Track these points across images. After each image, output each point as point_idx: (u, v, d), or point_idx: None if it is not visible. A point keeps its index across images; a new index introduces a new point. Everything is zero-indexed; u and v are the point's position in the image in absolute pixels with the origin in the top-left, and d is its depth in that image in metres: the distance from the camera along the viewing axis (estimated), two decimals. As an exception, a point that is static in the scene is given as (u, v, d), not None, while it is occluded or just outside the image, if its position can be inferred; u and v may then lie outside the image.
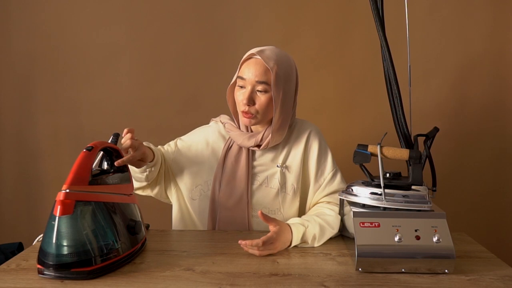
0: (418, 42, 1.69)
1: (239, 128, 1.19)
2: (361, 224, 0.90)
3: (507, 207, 1.76)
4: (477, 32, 1.70)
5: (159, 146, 1.24)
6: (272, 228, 0.98)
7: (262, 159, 1.17)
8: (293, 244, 1.00)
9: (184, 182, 1.21)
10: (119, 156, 1.01)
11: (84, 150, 0.87)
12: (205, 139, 1.23)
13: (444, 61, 1.73)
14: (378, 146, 0.98)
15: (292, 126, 1.21)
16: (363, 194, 0.94)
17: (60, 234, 0.81)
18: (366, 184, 0.97)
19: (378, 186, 0.93)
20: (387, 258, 0.87)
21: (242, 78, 1.10)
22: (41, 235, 0.89)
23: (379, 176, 0.94)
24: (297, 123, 1.22)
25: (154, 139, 1.82)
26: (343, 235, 1.09)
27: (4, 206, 1.95)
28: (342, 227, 1.08)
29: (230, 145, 1.18)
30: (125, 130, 1.02)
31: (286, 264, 0.92)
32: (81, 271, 0.82)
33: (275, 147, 1.18)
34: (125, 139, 1.00)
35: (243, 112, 1.12)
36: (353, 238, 0.89)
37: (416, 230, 0.89)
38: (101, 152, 0.99)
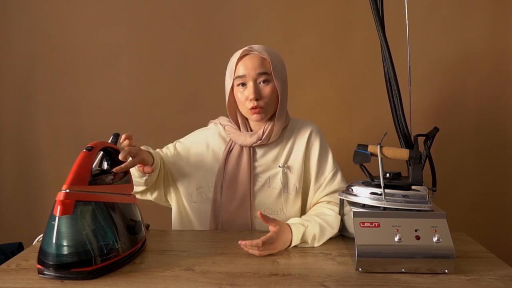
0: (418, 42, 1.69)
1: (239, 129, 1.20)
2: (361, 224, 0.90)
3: (507, 207, 1.76)
4: (477, 32, 1.70)
5: (157, 150, 1.23)
6: (271, 228, 0.98)
7: (264, 159, 1.17)
8: (293, 244, 1.00)
9: (185, 185, 1.21)
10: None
11: (84, 150, 0.87)
12: (205, 141, 1.23)
13: (444, 61, 1.73)
14: (378, 146, 0.98)
15: (293, 125, 1.21)
16: (363, 194, 0.94)
17: (60, 234, 0.81)
18: (366, 184, 0.97)
19: (378, 186, 0.93)
20: (387, 258, 0.87)
21: (241, 76, 1.11)
22: (41, 235, 0.89)
23: (379, 176, 0.94)
24: (298, 123, 1.22)
25: (154, 139, 1.83)
26: (343, 235, 1.09)
27: (4, 206, 1.95)
28: (342, 227, 1.08)
29: (231, 148, 1.18)
30: (123, 137, 1.01)
31: (286, 264, 0.92)
32: (81, 271, 0.82)
33: (276, 147, 1.18)
34: (123, 146, 0.99)
35: (251, 109, 1.11)
36: (353, 238, 0.89)
37: (416, 230, 0.89)
38: (101, 152, 0.99)
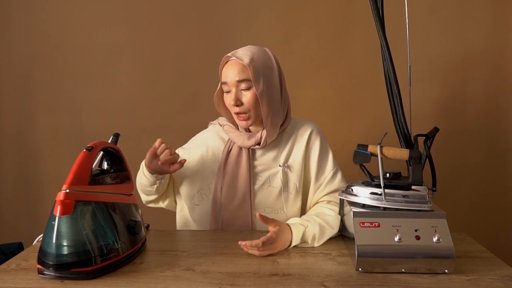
0: (418, 42, 1.69)
1: (238, 129, 1.20)
2: (361, 224, 0.90)
3: (507, 207, 1.76)
4: (477, 32, 1.70)
5: None
6: (271, 228, 0.98)
7: (263, 158, 1.17)
8: (293, 244, 1.00)
9: (186, 189, 1.21)
10: (119, 156, 1.01)
11: (84, 150, 0.87)
12: (204, 143, 1.24)
13: (444, 61, 1.73)
14: (378, 146, 0.98)
15: (294, 125, 1.21)
16: (363, 194, 0.94)
17: (60, 234, 0.81)
18: (366, 184, 0.97)
19: (378, 186, 0.93)
20: (387, 258, 0.87)
21: (224, 82, 1.12)
22: (41, 235, 0.89)
23: (379, 176, 0.94)
24: (299, 122, 1.22)
25: (154, 139, 1.82)
26: (343, 235, 1.09)
27: (4, 206, 1.95)
28: (342, 227, 1.08)
29: (230, 147, 1.18)
30: (161, 145, 1.09)
31: (286, 264, 0.92)
32: (81, 271, 0.82)
33: (276, 147, 1.18)
34: (165, 155, 1.08)
35: (236, 114, 1.13)
36: (353, 238, 0.89)
37: (416, 230, 0.89)
38: (101, 152, 0.99)
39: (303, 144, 1.17)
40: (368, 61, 1.70)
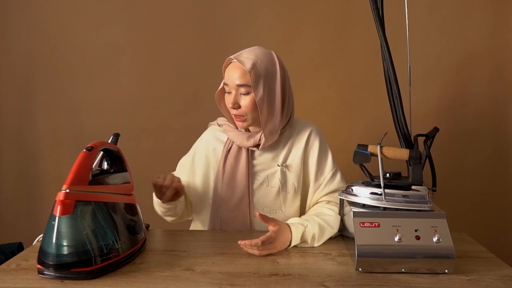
0: (418, 42, 1.69)
1: (237, 129, 1.20)
2: (361, 224, 0.90)
3: (507, 207, 1.76)
4: (477, 32, 1.70)
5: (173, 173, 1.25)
6: (271, 227, 0.98)
7: (262, 158, 1.18)
8: (292, 244, 1.00)
9: (195, 193, 1.23)
10: (119, 156, 1.01)
11: (84, 150, 0.87)
12: (205, 144, 1.24)
13: (444, 61, 1.73)
14: (378, 146, 0.98)
15: (293, 125, 1.21)
16: (363, 194, 0.94)
17: (60, 234, 0.81)
18: (366, 184, 0.97)
19: (378, 186, 0.93)
20: (387, 258, 0.87)
21: (226, 84, 1.13)
22: (41, 235, 0.89)
23: (379, 176, 0.94)
24: (298, 123, 1.22)
25: (154, 139, 1.84)
26: (343, 235, 1.09)
27: (4, 206, 1.95)
28: (342, 227, 1.08)
29: (230, 147, 1.19)
30: (156, 182, 1.08)
31: (286, 264, 0.92)
32: (81, 271, 0.82)
33: (275, 146, 1.18)
34: (170, 192, 1.09)
35: (234, 116, 1.14)
36: (353, 238, 0.89)
37: (416, 230, 0.89)
38: (101, 152, 0.99)
39: (302, 145, 1.17)
40: (368, 61, 1.70)
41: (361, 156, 0.98)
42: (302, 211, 1.20)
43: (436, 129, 1.05)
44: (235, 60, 1.10)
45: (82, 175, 0.84)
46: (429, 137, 1.04)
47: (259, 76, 1.08)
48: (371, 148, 0.99)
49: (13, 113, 1.90)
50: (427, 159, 1.03)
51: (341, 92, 1.77)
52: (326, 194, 1.16)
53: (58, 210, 0.81)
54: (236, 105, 1.11)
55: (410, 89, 1.14)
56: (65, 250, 0.81)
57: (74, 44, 1.84)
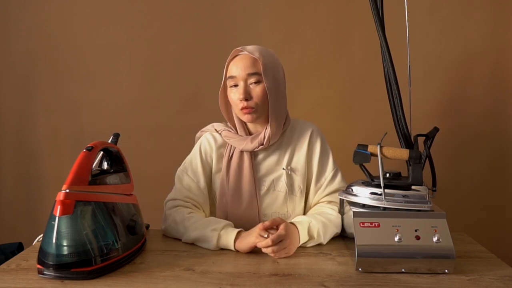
0: (418, 42, 1.69)
1: (238, 133, 1.18)
2: (361, 224, 0.90)
3: (507, 207, 1.76)
4: (477, 32, 1.70)
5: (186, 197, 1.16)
6: (280, 226, 0.96)
7: (266, 163, 1.16)
8: (301, 240, 1.00)
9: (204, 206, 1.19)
10: (119, 156, 1.01)
11: (84, 150, 0.87)
12: (203, 155, 1.19)
13: (444, 61, 1.72)
14: (378, 146, 0.98)
15: (293, 126, 1.20)
16: (363, 194, 0.94)
17: (60, 234, 0.81)
18: (366, 184, 0.97)
19: (378, 186, 0.93)
20: (387, 258, 0.87)
21: (232, 76, 1.10)
22: (41, 235, 0.89)
23: (379, 176, 0.94)
24: (298, 123, 1.21)
25: (154, 139, 1.83)
26: (343, 235, 1.09)
27: (4, 206, 1.95)
28: (342, 226, 1.08)
29: (231, 154, 1.16)
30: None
31: (286, 264, 0.92)
32: (81, 271, 0.82)
33: (277, 149, 1.16)
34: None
35: (242, 109, 1.10)
36: (353, 238, 0.89)
37: (416, 230, 0.89)
38: (101, 152, 0.99)
39: (305, 145, 1.16)
40: (368, 61, 1.70)
41: (361, 156, 0.99)
42: (305, 212, 1.20)
43: (436, 129, 1.05)
44: (243, 52, 1.09)
45: (82, 175, 0.85)
46: (429, 137, 1.04)
47: (268, 66, 1.09)
48: (371, 148, 0.99)
49: (13, 113, 1.90)
50: (427, 159, 1.03)
51: (341, 92, 1.77)
52: (327, 195, 1.16)
53: (58, 210, 0.81)
54: (248, 96, 1.09)
55: (410, 89, 1.14)
56: (65, 250, 0.81)
57: (74, 44, 1.83)
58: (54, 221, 0.82)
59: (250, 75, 1.08)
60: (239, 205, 1.13)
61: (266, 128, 1.13)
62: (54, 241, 0.81)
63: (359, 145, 1.00)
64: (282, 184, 1.14)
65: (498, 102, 1.73)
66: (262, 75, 1.08)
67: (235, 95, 1.11)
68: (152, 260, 0.95)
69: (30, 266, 0.90)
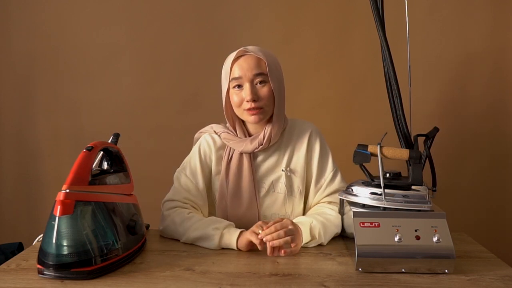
0: (418, 42, 1.69)
1: (237, 135, 1.17)
2: (361, 224, 0.90)
3: (507, 207, 1.76)
4: (477, 32, 1.70)
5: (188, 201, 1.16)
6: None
7: (265, 164, 1.16)
8: (304, 240, 1.00)
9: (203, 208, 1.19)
10: (119, 156, 1.01)
11: (84, 150, 0.87)
12: (203, 156, 1.18)
13: (444, 61, 1.72)
14: (378, 146, 0.98)
15: (292, 127, 1.20)
16: (363, 194, 0.94)
17: (60, 234, 0.81)
18: (366, 184, 0.97)
19: (378, 186, 0.93)
20: (387, 258, 0.87)
21: (237, 78, 1.09)
22: (41, 235, 0.89)
23: (379, 176, 0.94)
24: (296, 124, 1.20)
25: (154, 139, 1.83)
26: (343, 235, 1.09)
27: (4, 206, 1.95)
28: (342, 226, 1.08)
29: (230, 157, 1.15)
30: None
31: (286, 264, 0.92)
32: (81, 271, 0.82)
33: (276, 150, 1.16)
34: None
35: (248, 110, 1.09)
36: (353, 238, 0.90)
37: (416, 230, 0.89)
38: (101, 152, 0.99)
39: (304, 147, 1.16)
40: (368, 61, 1.70)
41: (361, 156, 0.98)
42: (304, 213, 1.20)
43: (436, 129, 1.05)
44: (248, 53, 1.09)
45: (82, 175, 0.85)
46: (429, 137, 1.04)
47: (272, 66, 1.10)
48: (371, 148, 0.99)
49: (13, 113, 1.90)
50: (427, 159, 1.03)
51: (341, 92, 1.77)
52: (327, 195, 1.16)
53: (58, 210, 0.81)
54: (256, 97, 1.08)
55: (410, 89, 1.14)
56: (65, 250, 0.81)
57: (74, 44, 1.83)
58: (54, 221, 0.82)
59: (256, 75, 1.08)
60: (239, 207, 1.13)
61: (265, 129, 1.13)
62: (54, 241, 0.81)
63: (359, 145, 1.00)
64: (282, 186, 1.14)
65: (498, 102, 1.73)
66: (268, 75, 1.08)
67: (239, 97, 1.10)
68: (152, 260, 0.95)
69: (30, 266, 0.90)
